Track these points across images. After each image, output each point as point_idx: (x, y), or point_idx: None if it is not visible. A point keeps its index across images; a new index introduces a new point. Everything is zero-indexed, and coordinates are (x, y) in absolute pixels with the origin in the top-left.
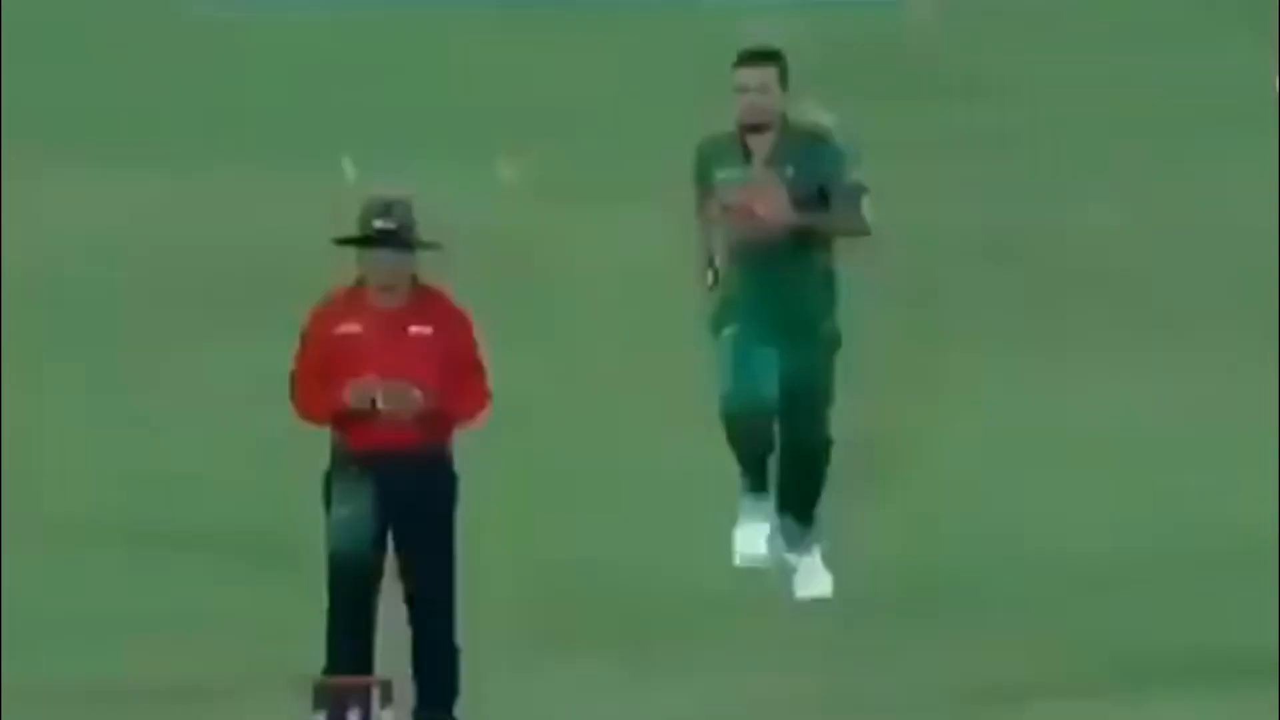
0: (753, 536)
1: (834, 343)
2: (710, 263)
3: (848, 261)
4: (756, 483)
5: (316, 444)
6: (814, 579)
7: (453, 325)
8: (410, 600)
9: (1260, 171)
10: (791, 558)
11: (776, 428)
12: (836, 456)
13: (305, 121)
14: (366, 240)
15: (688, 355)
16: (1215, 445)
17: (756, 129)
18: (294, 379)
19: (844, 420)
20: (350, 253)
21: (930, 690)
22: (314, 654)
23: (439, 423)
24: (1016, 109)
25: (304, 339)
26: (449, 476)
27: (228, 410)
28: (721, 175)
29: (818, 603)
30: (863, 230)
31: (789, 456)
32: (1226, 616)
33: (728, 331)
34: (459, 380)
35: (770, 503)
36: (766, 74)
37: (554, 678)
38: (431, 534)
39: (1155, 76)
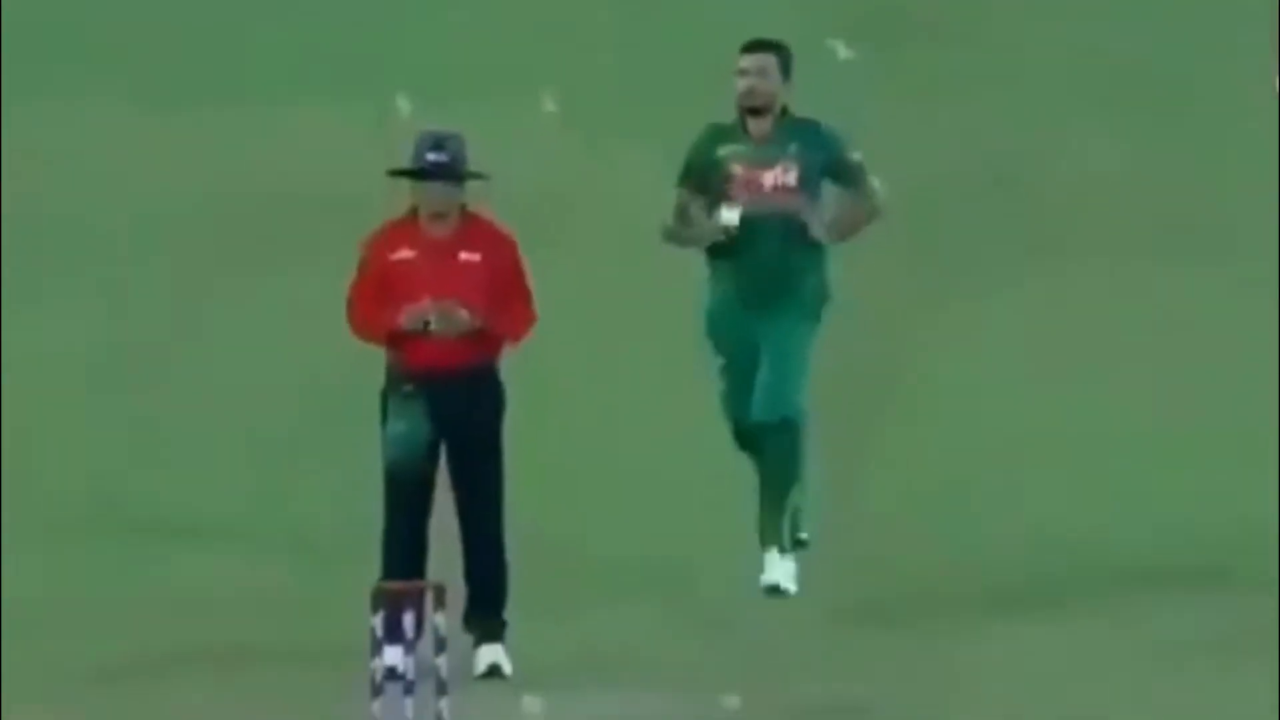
0: (779, 567)
1: (816, 317)
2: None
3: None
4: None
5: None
6: (777, 570)
7: (499, 252)
8: (462, 510)
9: (1260, 102)
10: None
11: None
12: (842, 391)
13: (362, 60)
14: (419, 173)
15: None
16: (1215, 371)
17: (755, 112)
18: (351, 302)
19: (847, 356)
20: (404, 184)
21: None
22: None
23: (487, 342)
24: (1015, 51)
25: (361, 265)
26: (497, 393)
27: (290, 330)
28: (724, 151)
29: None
30: (875, 210)
31: (765, 437)
32: (1229, 531)
33: (720, 362)
34: (506, 303)
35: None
36: (765, 60)
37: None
38: (481, 447)
39: (1155, 9)
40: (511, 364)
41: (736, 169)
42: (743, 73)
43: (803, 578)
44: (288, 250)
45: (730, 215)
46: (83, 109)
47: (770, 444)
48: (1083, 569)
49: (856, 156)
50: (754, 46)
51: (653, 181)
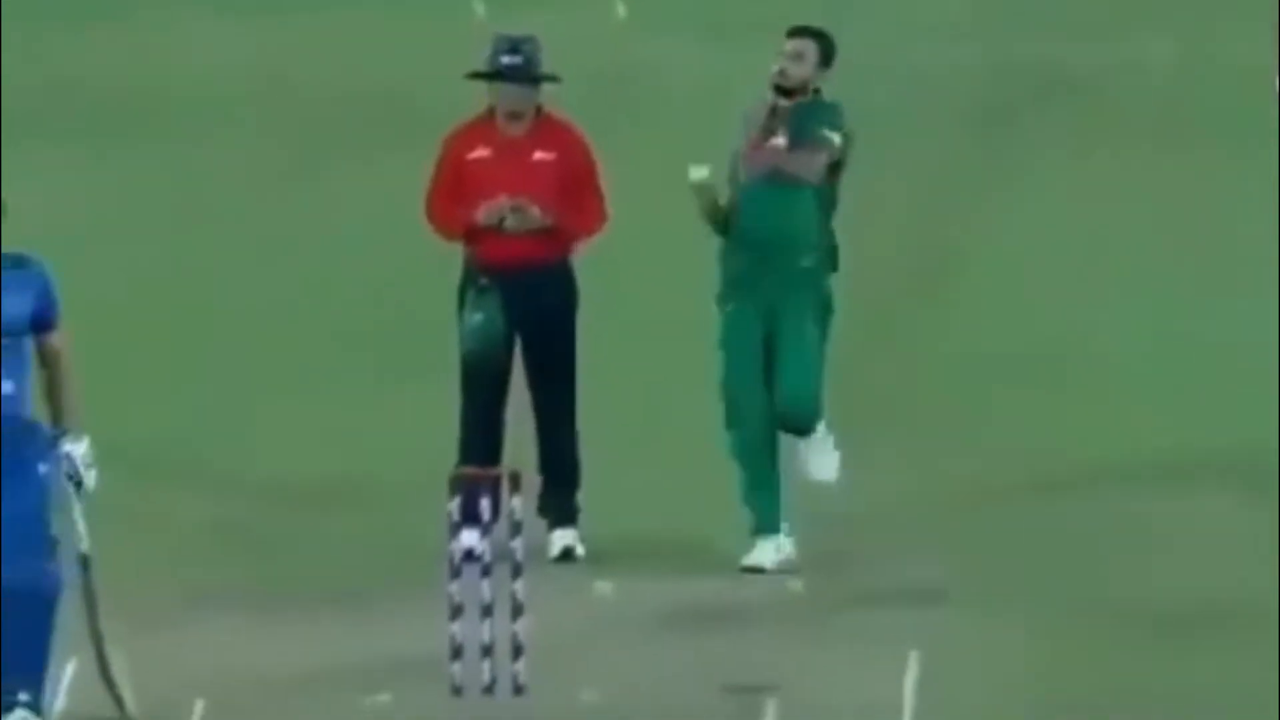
0: (763, 550)
1: (828, 308)
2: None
3: (913, 94)
4: (765, 523)
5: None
6: (824, 461)
7: (573, 151)
8: (536, 400)
9: None
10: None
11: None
12: (889, 275)
13: None
14: (495, 75)
15: None
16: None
17: (786, 94)
18: (430, 200)
19: (908, 242)
20: (481, 86)
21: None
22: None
23: (560, 239)
24: None
25: (439, 164)
26: (570, 287)
27: (374, 225)
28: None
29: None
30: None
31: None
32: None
33: (722, 355)
34: (578, 201)
35: (780, 536)
36: (805, 45)
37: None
38: (554, 339)
39: None
40: (584, 259)
41: (746, 142)
42: (781, 55)
43: (866, 466)
44: (369, 150)
45: (698, 172)
46: (172, 16)
47: (792, 419)
48: (1138, 459)
49: (837, 139)
50: (797, 32)
51: (722, 84)
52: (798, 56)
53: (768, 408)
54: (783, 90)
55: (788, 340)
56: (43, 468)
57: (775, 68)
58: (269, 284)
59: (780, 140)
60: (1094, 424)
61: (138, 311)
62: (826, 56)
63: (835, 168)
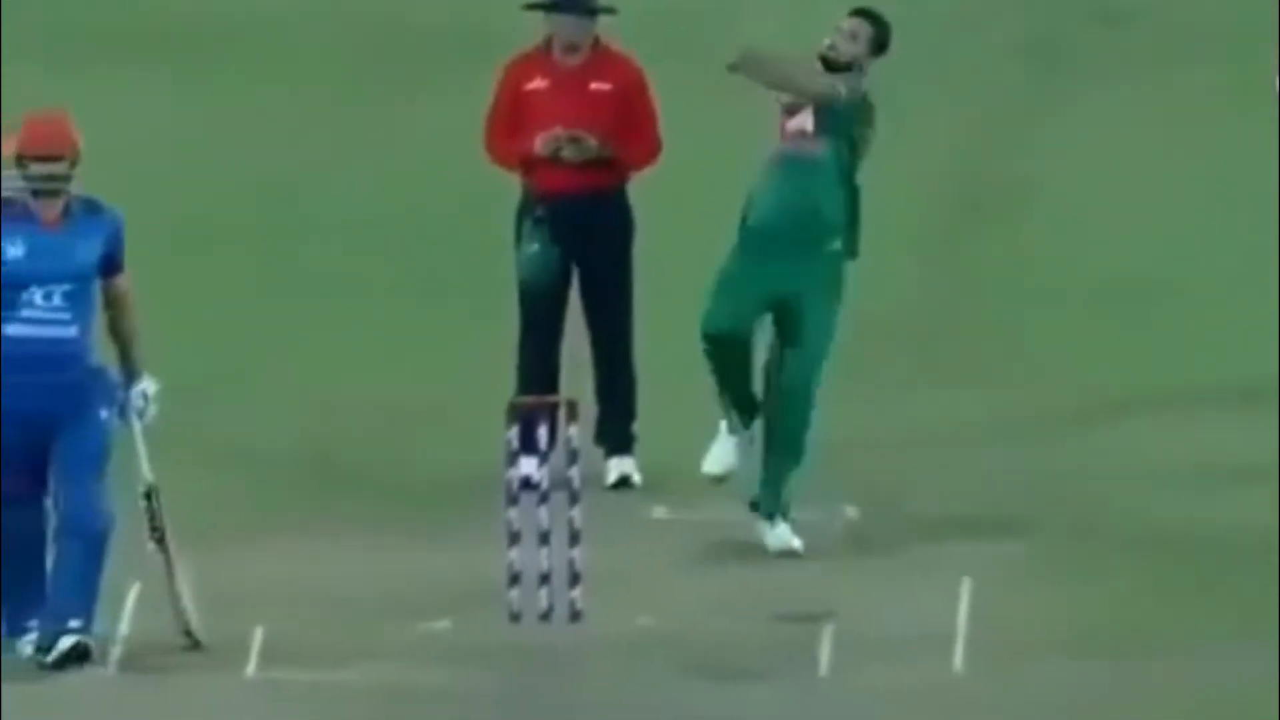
0: (721, 455)
1: (838, 275)
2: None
3: (960, 27)
4: (741, 419)
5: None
6: (781, 538)
7: (628, 82)
8: (592, 329)
9: None
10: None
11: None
12: (951, 191)
13: None
14: (553, 6)
15: None
16: None
17: (831, 67)
18: (488, 130)
19: (967, 173)
20: (539, 17)
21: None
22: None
23: (616, 169)
24: None
25: (496, 94)
26: (626, 217)
27: (433, 155)
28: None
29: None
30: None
31: (772, 398)
32: None
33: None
34: (634, 131)
35: (739, 439)
36: (860, 26)
37: None
38: (610, 268)
39: None
40: (638, 189)
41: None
42: (836, 30)
43: (925, 396)
44: (428, 79)
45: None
46: None
47: (788, 411)
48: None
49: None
50: (857, 12)
51: (780, 21)
52: (852, 36)
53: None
54: (829, 64)
55: (799, 327)
56: (104, 412)
57: (827, 41)
58: (333, 210)
59: (806, 122)
60: (1154, 351)
61: (203, 237)
62: (880, 43)
63: (854, 153)
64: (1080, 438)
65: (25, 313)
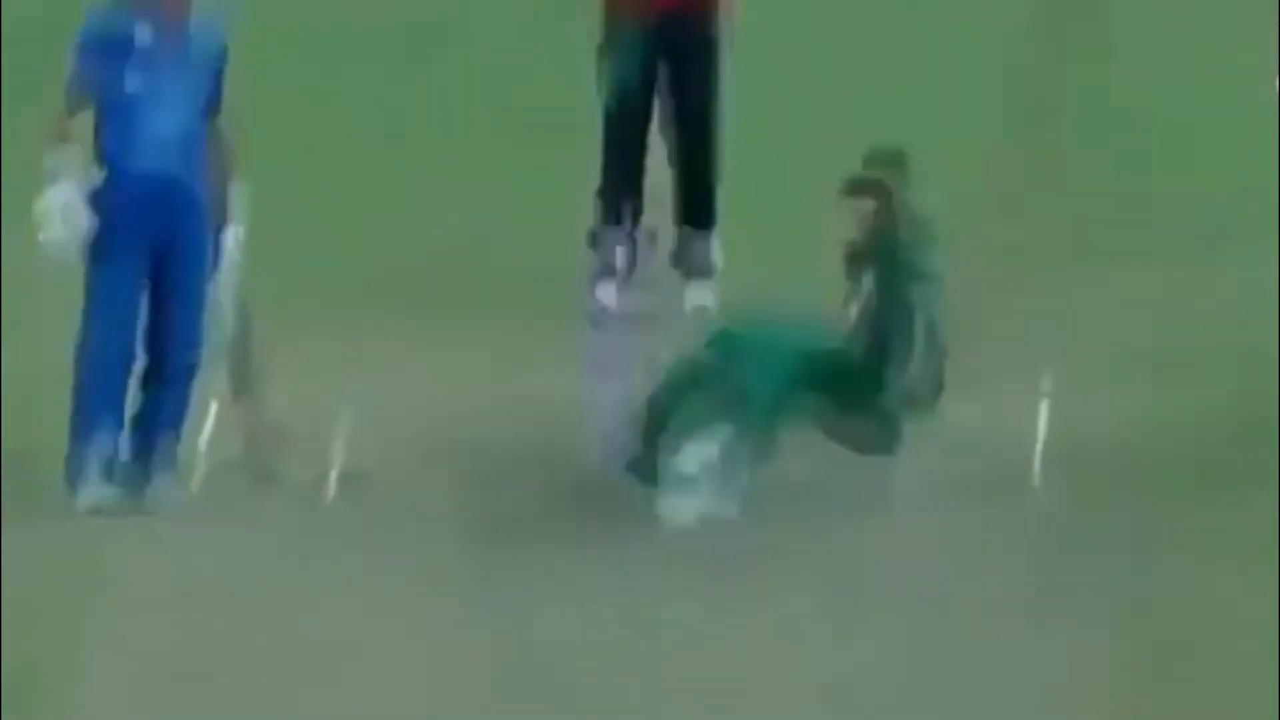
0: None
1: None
2: None
3: None
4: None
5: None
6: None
7: None
8: (675, 152)
9: None
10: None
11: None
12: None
13: None
14: None
15: None
16: None
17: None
18: None
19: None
20: None
21: None
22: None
23: None
24: None
25: None
26: (713, 35)
27: None
28: None
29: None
30: None
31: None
32: None
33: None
34: None
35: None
36: (862, 203)
37: None
38: (696, 89)
39: None
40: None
41: None
42: (842, 217)
43: (1012, 212)
44: None
45: None
46: None
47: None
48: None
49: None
50: (853, 189)
51: None
52: (864, 216)
53: None
54: (855, 257)
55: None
56: (209, 245)
57: (843, 238)
58: (408, 37)
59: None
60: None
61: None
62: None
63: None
64: (1162, 258)
65: (145, 146)
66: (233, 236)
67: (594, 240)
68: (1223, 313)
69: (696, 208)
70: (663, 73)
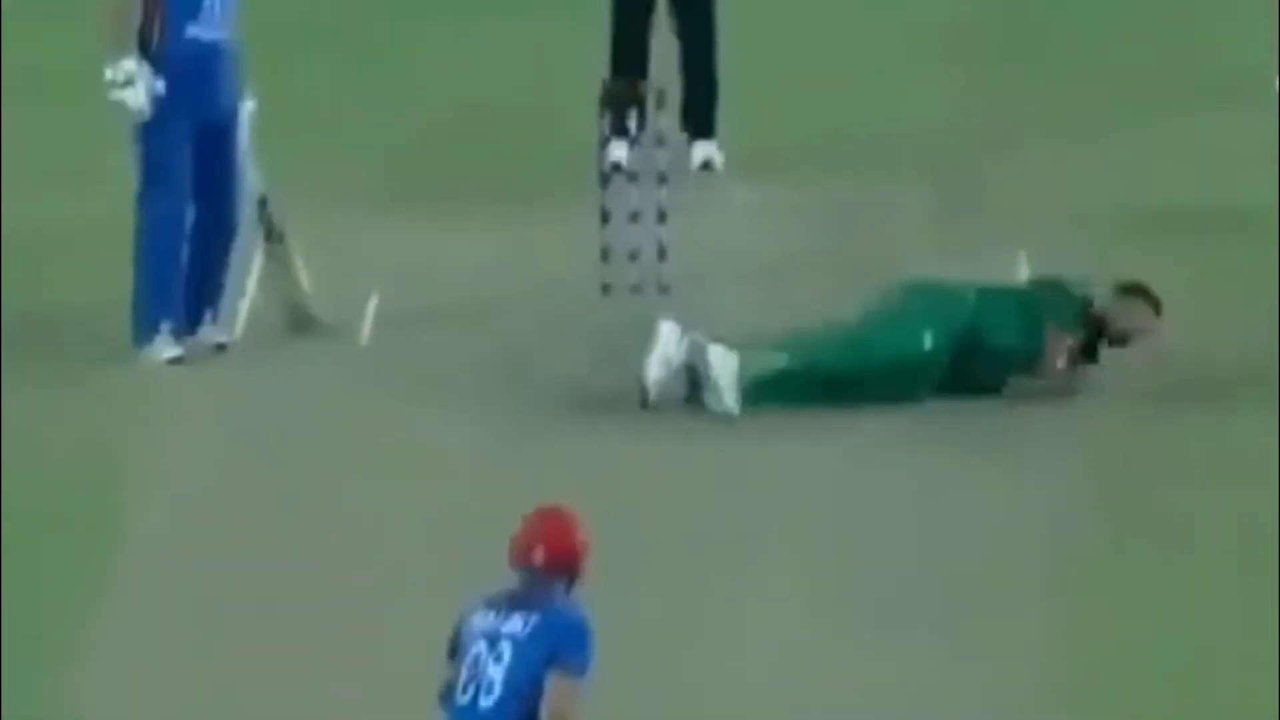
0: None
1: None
2: None
3: None
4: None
5: None
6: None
7: None
8: (679, 21)
9: None
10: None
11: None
12: None
13: None
14: None
15: None
16: None
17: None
18: None
19: None
20: None
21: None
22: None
23: None
24: None
25: None
26: None
27: None
28: None
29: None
30: None
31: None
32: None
33: None
34: None
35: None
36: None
37: None
38: None
39: None
40: None
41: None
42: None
43: (993, 89)
44: None
45: None
46: None
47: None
48: None
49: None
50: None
51: None
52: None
53: None
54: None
55: None
56: (243, 114)
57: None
58: None
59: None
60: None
61: None
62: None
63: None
64: (1137, 121)
65: (204, 16)
66: (248, 107)
67: (604, 101)
68: None
69: (700, 77)
70: None
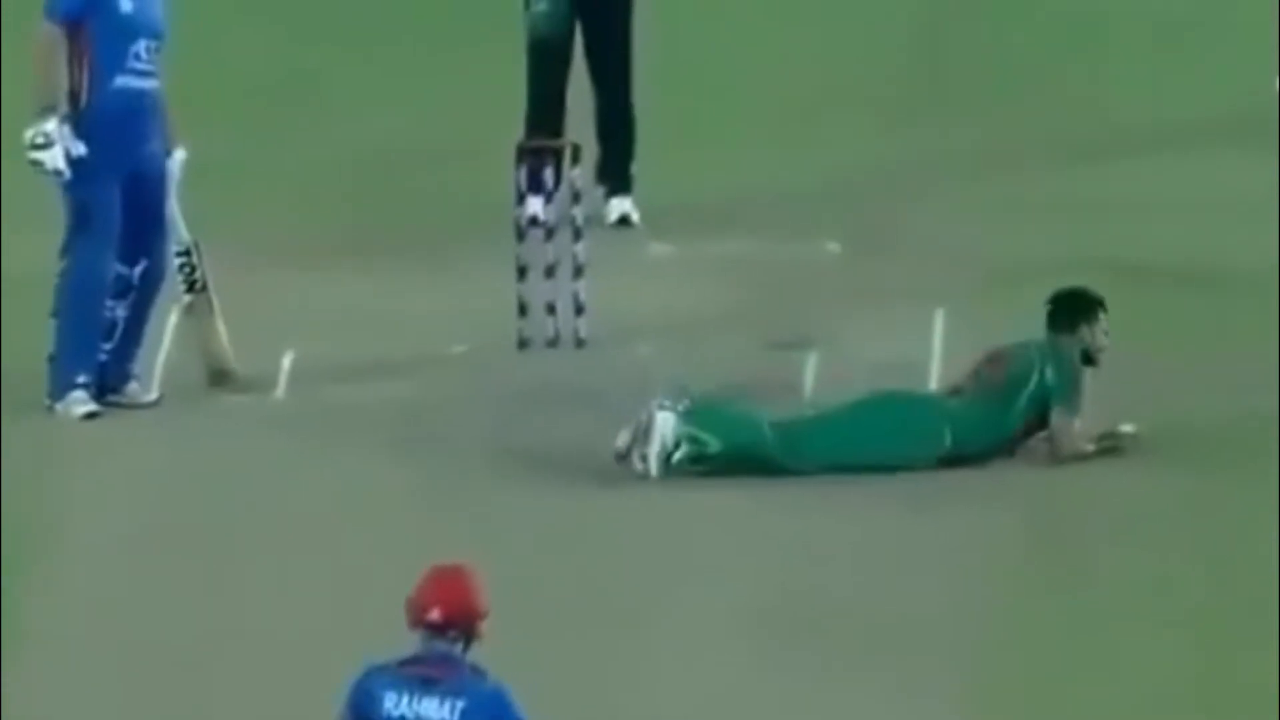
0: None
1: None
2: None
3: None
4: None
5: None
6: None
7: None
8: (596, 78)
9: None
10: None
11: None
12: None
13: None
14: None
15: None
16: None
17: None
18: None
19: None
20: None
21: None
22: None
23: None
24: None
25: None
26: None
27: None
28: None
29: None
30: None
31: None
32: None
33: None
34: None
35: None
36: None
37: None
38: (614, 20)
39: None
40: None
41: None
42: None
43: (907, 131)
44: None
45: None
46: None
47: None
48: None
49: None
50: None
51: None
52: None
53: None
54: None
55: None
56: (170, 163)
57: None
58: None
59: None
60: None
61: None
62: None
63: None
64: (1066, 172)
65: (132, 64)
66: (178, 156)
67: (521, 157)
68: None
69: (616, 133)
70: (581, 7)
